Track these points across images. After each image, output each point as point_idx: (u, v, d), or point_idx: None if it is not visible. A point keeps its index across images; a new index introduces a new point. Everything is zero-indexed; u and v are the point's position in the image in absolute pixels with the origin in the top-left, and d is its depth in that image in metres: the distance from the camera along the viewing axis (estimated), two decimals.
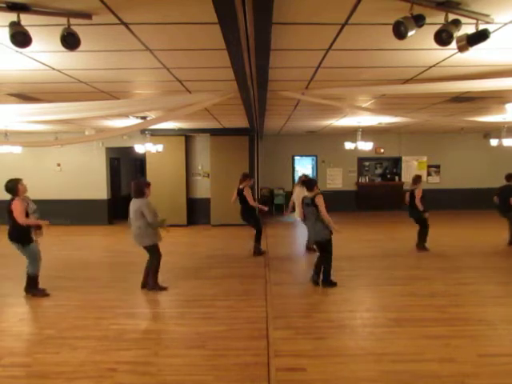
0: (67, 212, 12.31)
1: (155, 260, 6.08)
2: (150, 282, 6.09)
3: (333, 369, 3.76)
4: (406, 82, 5.43)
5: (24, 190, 5.82)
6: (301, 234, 11.76)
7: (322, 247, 6.17)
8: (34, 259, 5.85)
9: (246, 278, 6.70)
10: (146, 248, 6.03)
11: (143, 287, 6.20)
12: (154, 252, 6.06)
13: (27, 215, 5.70)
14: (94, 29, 3.22)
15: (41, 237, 6.00)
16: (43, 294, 5.92)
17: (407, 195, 8.45)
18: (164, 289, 6.13)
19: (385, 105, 7.69)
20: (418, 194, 8.18)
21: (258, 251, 8.32)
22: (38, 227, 5.86)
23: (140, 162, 14.85)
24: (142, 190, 5.92)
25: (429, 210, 8.24)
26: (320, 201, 5.97)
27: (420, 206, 8.13)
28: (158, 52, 3.98)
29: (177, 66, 4.54)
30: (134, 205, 5.90)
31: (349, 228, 11.55)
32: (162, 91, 6.00)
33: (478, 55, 4.09)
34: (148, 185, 6.09)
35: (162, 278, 6.69)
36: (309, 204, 6.12)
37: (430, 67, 4.68)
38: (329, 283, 6.16)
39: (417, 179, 8.47)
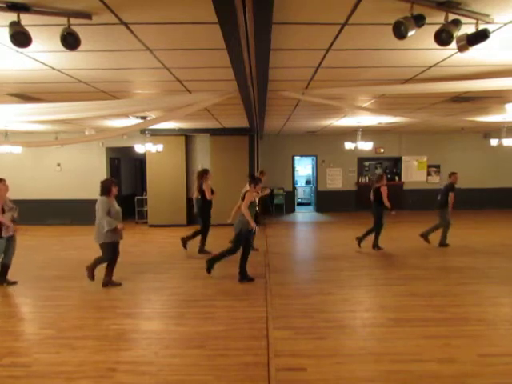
0: (67, 212, 12.33)
1: (103, 258, 6.19)
2: (104, 277, 6.22)
3: (333, 369, 3.75)
4: (406, 81, 5.44)
5: (6, 189, 6.22)
6: (301, 234, 11.78)
7: (235, 237, 6.44)
8: None
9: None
10: (100, 246, 6.14)
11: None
12: (103, 251, 6.17)
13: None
14: (94, 29, 3.22)
15: (14, 234, 6.34)
16: (8, 283, 6.32)
17: (372, 193, 8.48)
18: (119, 284, 6.26)
19: (385, 105, 7.69)
20: (384, 191, 8.18)
21: (202, 250, 8.40)
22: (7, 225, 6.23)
23: (140, 162, 14.85)
24: (108, 188, 6.09)
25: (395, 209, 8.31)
26: (246, 197, 6.32)
27: (388, 204, 8.14)
28: (158, 52, 3.98)
29: (177, 65, 4.54)
30: (97, 202, 6.11)
31: (349, 228, 11.56)
32: (161, 91, 6.01)
33: (478, 55, 4.09)
34: (115, 184, 6.24)
35: (161, 278, 6.72)
36: (242, 197, 6.51)
37: (430, 67, 4.68)
38: (242, 278, 6.42)
39: (379, 177, 8.51)
